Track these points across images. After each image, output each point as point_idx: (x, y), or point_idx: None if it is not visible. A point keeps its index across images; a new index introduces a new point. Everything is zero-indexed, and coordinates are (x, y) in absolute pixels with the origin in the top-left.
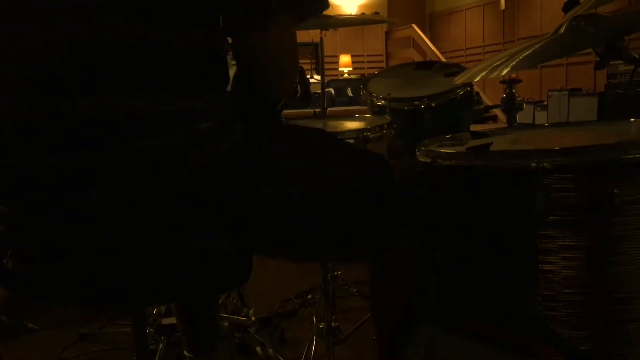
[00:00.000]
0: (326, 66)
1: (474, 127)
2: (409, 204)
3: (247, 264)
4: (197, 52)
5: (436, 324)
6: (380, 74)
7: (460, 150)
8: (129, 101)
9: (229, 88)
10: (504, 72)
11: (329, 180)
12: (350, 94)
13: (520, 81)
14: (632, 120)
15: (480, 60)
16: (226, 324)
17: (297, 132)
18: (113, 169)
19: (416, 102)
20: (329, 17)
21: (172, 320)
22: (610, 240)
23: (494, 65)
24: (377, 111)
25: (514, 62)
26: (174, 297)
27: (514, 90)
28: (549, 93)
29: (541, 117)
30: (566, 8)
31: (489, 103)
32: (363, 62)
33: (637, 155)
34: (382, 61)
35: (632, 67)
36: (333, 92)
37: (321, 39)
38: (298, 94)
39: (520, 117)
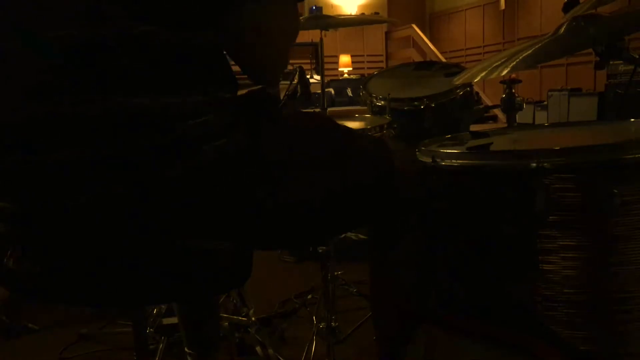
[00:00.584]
0: (326, 66)
1: (474, 127)
2: (409, 204)
3: (247, 264)
4: (198, 51)
5: (436, 324)
6: (380, 74)
7: (460, 150)
8: (129, 100)
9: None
10: (504, 72)
11: (329, 180)
12: (350, 94)
13: (520, 81)
14: (632, 120)
15: (480, 60)
16: (226, 324)
17: (297, 132)
18: (113, 168)
19: (416, 102)
20: (329, 17)
21: (172, 320)
22: (610, 240)
23: (494, 65)
24: (377, 111)
25: (514, 62)
26: (174, 297)
27: (513, 90)
28: (549, 93)
29: (541, 117)
30: (566, 8)
31: (489, 103)
32: (363, 62)
33: (637, 155)
34: (382, 61)
35: (632, 67)
36: (333, 92)
37: (321, 39)
38: (298, 94)
39: (520, 117)
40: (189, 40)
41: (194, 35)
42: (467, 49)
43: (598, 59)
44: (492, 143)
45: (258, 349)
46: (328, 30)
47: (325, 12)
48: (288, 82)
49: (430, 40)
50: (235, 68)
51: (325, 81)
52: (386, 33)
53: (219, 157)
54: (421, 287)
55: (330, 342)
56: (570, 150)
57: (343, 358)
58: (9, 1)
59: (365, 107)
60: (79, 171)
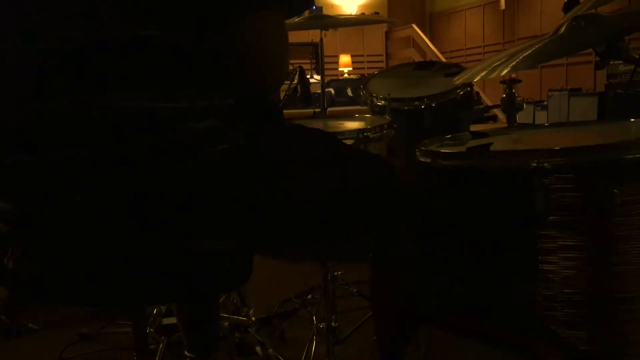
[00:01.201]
0: (326, 66)
1: (474, 127)
2: (409, 204)
3: (247, 264)
4: (197, 52)
5: (436, 324)
6: (380, 74)
7: (460, 150)
8: (129, 100)
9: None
10: (504, 72)
11: (329, 180)
12: (350, 94)
13: (520, 81)
14: (632, 120)
15: (480, 60)
16: (226, 324)
17: (297, 132)
18: (113, 168)
19: (416, 102)
20: (329, 17)
21: (172, 320)
22: (610, 240)
23: (494, 65)
24: (377, 111)
25: (514, 62)
26: (174, 297)
27: (514, 90)
28: (549, 93)
29: (541, 117)
30: (566, 8)
31: (489, 103)
32: (363, 62)
33: (637, 155)
34: (382, 61)
35: (632, 67)
36: (333, 92)
37: (321, 39)
38: (298, 94)
39: (520, 117)
40: (190, 43)
41: (195, 38)
42: (467, 49)
43: (598, 59)
44: (492, 143)
45: (258, 349)
46: (328, 30)
47: (325, 12)
48: (288, 82)
49: (430, 40)
50: None
51: (325, 81)
52: (386, 33)
53: (219, 157)
54: (421, 287)
55: (330, 342)
56: (570, 150)
57: (343, 358)
58: (10, 1)
59: (366, 107)
60: (79, 171)
